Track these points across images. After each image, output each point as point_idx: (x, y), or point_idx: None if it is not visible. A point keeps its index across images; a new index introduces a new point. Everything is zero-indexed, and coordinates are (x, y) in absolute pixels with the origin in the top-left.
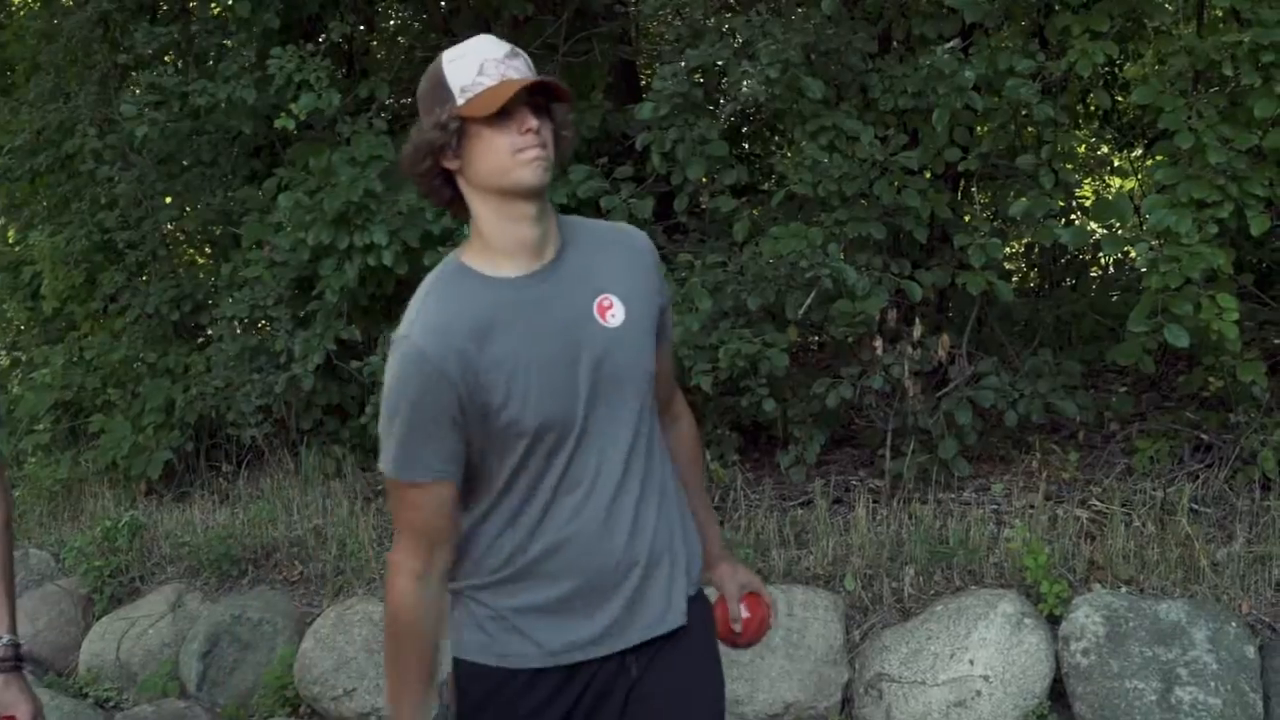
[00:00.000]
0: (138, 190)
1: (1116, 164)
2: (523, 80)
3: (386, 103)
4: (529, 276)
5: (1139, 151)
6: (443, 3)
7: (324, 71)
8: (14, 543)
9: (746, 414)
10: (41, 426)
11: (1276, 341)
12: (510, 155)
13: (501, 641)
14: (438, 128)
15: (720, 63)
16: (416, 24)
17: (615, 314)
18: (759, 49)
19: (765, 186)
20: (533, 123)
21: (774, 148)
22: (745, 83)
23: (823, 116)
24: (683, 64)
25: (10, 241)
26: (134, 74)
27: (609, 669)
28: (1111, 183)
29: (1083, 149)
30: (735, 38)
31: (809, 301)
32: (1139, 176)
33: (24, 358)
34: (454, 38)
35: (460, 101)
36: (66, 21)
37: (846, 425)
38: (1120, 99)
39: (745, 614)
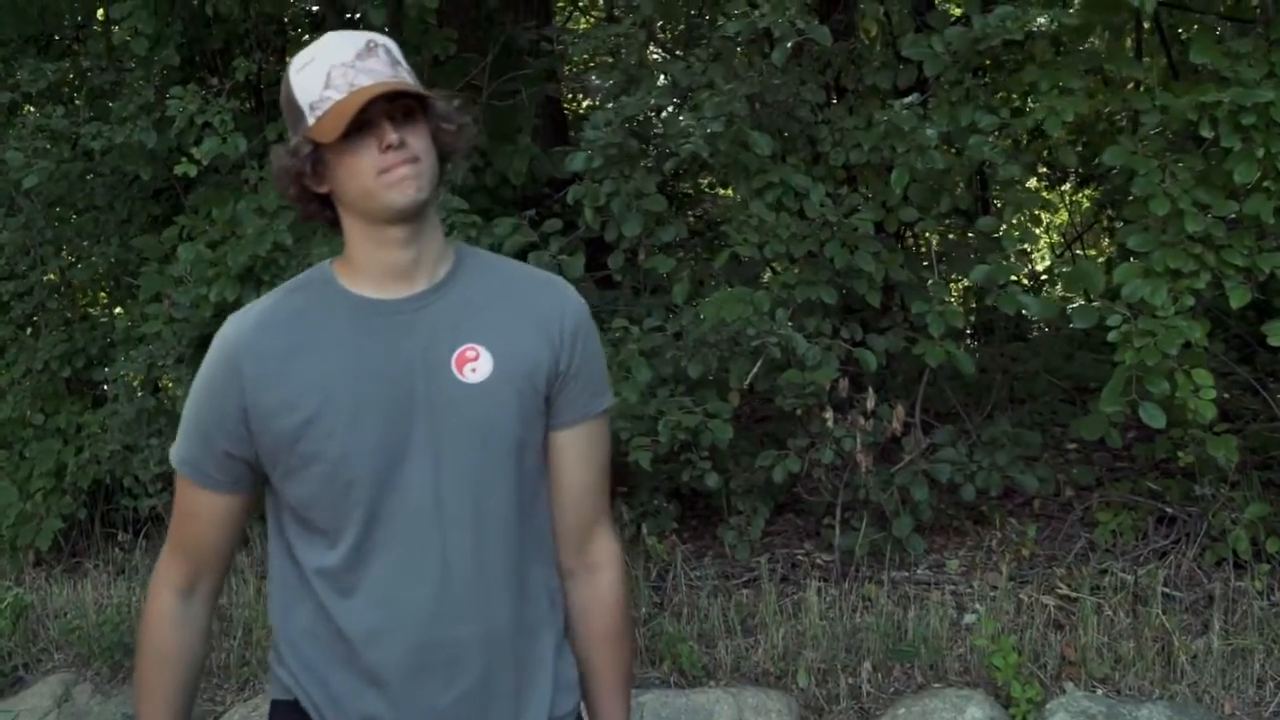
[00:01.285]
0: (24, 237)
1: (1047, 198)
2: (373, 88)
3: None
4: (388, 302)
5: (1067, 186)
6: None
7: (228, 113)
8: None
9: (685, 485)
10: None
11: (1245, 411)
12: (374, 177)
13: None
14: (290, 155)
15: (655, 112)
16: None
17: (477, 369)
18: (702, 100)
19: (705, 235)
20: (392, 136)
21: (711, 193)
22: (688, 140)
23: (769, 171)
24: (614, 113)
25: None
26: (18, 112)
27: None
28: (1041, 216)
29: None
30: (671, 84)
31: (755, 371)
32: (1070, 212)
33: None
34: None
35: (310, 122)
36: None
37: (789, 493)
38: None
39: None
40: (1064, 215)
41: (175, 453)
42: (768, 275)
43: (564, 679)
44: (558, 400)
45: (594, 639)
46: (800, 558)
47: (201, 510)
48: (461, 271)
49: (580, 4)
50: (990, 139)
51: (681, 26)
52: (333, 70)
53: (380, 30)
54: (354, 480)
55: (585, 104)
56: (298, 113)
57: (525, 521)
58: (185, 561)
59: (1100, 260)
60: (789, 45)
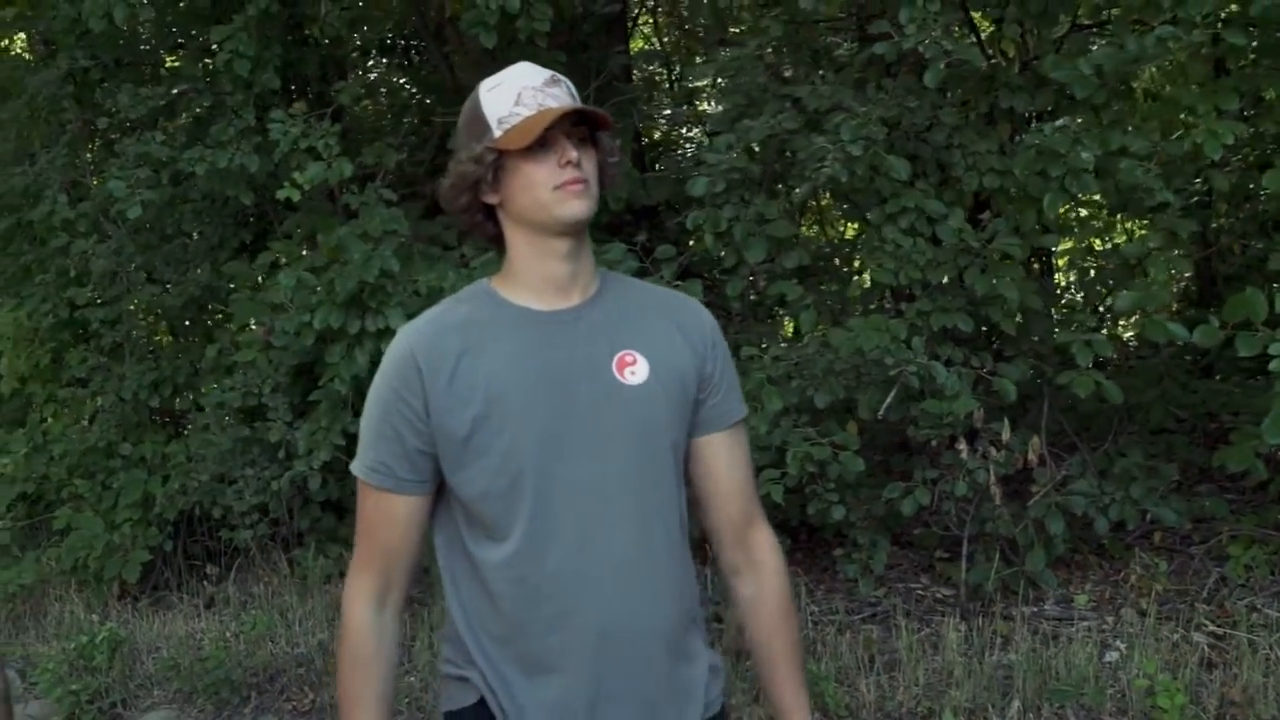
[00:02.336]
0: (114, 264)
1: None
2: (561, 108)
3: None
4: (548, 313)
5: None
6: (457, 71)
7: (333, 137)
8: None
9: (794, 514)
10: (0, 522)
11: None
12: (549, 189)
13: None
14: (474, 161)
15: (778, 134)
16: (412, 87)
17: (635, 372)
18: (838, 123)
19: (825, 264)
20: (572, 154)
21: (838, 224)
22: (826, 161)
23: (903, 196)
24: (736, 137)
25: None
26: (113, 139)
27: None
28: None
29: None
30: (800, 108)
31: (889, 401)
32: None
33: None
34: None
35: (497, 134)
36: (31, 78)
37: (902, 525)
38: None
39: None
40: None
41: (362, 464)
42: (887, 303)
43: (715, 665)
44: (706, 405)
45: (767, 626)
46: (920, 592)
47: (396, 515)
48: (608, 288)
49: (645, 26)
50: (1144, 164)
51: (809, 49)
52: (523, 91)
53: (490, 53)
54: (521, 473)
55: (656, 134)
56: (483, 126)
57: (679, 517)
58: (377, 574)
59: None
60: (941, 66)
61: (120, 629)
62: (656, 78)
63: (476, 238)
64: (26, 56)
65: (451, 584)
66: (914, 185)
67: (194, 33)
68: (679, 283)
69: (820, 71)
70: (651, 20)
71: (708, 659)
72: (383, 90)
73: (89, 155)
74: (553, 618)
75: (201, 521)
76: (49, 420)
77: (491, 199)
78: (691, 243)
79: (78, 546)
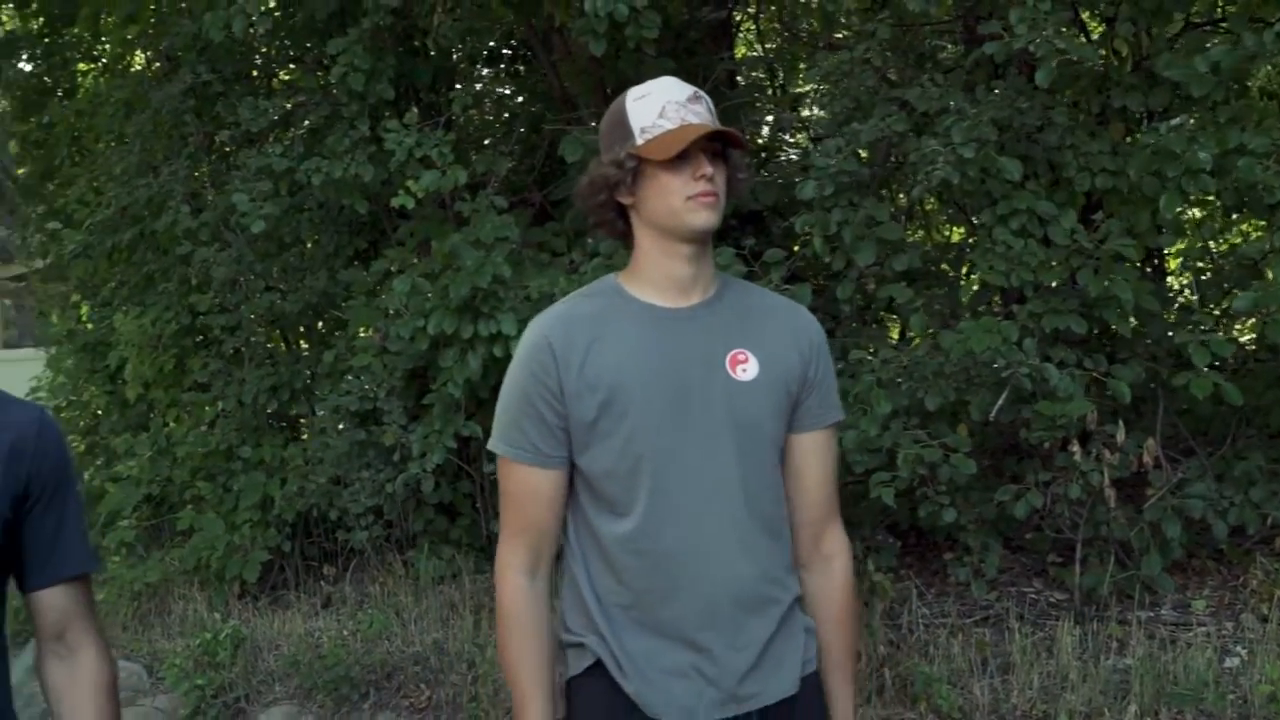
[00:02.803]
0: (234, 271)
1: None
2: (702, 127)
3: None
4: (669, 309)
5: None
6: (565, 79)
7: (447, 145)
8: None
9: (905, 517)
10: (126, 523)
11: None
12: (682, 199)
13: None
14: (615, 165)
15: (887, 136)
16: (521, 95)
17: (747, 369)
18: (949, 125)
19: (933, 267)
20: (707, 169)
21: (943, 228)
22: (938, 164)
23: (1014, 198)
24: (845, 140)
25: (83, 320)
26: (231, 151)
27: None
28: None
29: None
30: (908, 110)
31: (1000, 403)
32: None
33: (102, 444)
34: (573, 109)
35: (639, 141)
36: (154, 93)
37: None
38: None
39: None
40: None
41: (503, 443)
42: (998, 305)
43: (810, 628)
44: (803, 406)
45: (829, 621)
46: (1033, 596)
47: (540, 489)
48: (726, 291)
49: (755, 31)
50: (1263, 162)
51: (914, 52)
52: (667, 105)
53: (598, 61)
54: (641, 456)
55: (761, 139)
56: (626, 132)
57: (778, 500)
58: (526, 546)
59: None
60: (1053, 65)
61: (242, 627)
62: (761, 83)
63: (605, 234)
64: (149, 72)
65: (579, 555)
66: (1025, 186)
67: (309, 45)
68: (787, 286)
69: (926, 75)
70: (755, 26)
71: (803, 622)
72: (491, 99)
73: (207, 167)
74: (668, 588)
75: (318, 523)
76: (171, 424)
77: (626, 200)
78: (797, 247)
79: (200, 547)
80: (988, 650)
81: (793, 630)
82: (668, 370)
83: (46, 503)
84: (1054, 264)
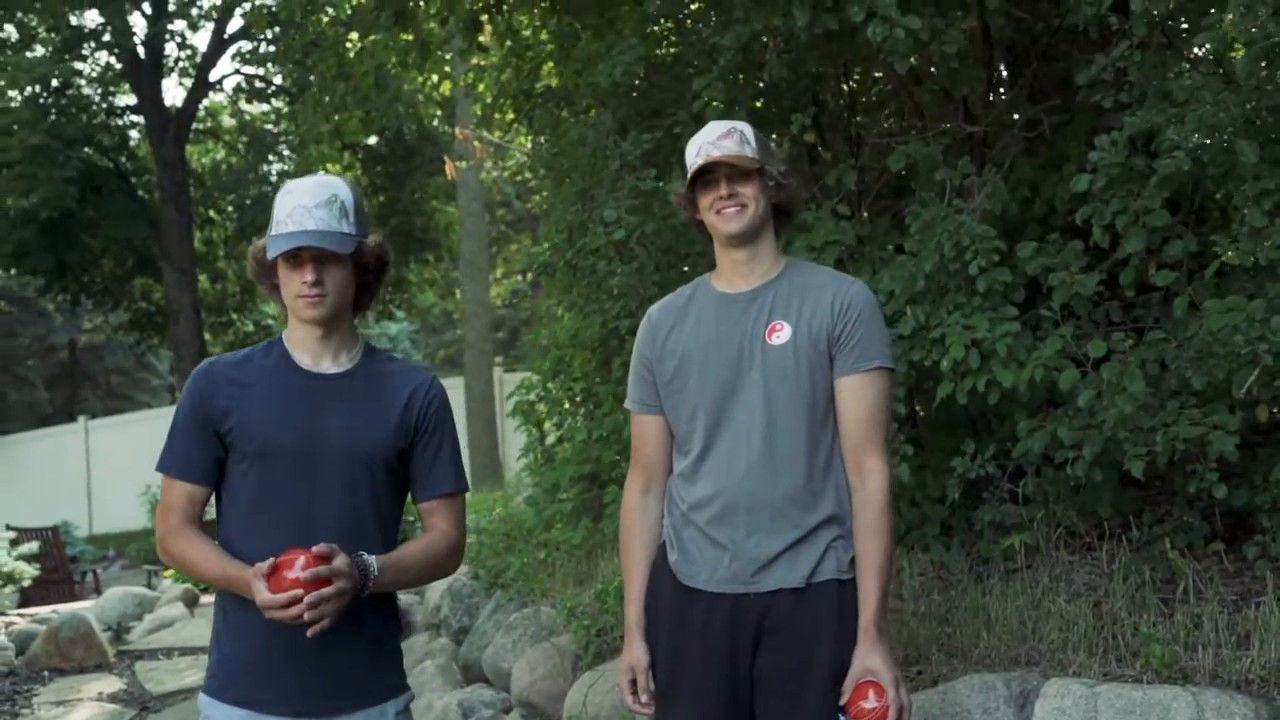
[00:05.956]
0: (637, 281)
1: None
2: (703, 161)
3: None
4: (730, 294)
5: None
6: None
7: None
8: (441, 562)
9: (1201, 499)
10: (565, 495)
11: None
12: (710, 212)
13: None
14: (678, 194)
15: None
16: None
17: (780, 335)
18: (1186, 114)
19: (1216, 252)
20: (724, 190)
21: (1216, 214)
22: (1173, 154)
23: (1264, 179)
24: (1120, 132)
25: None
26: (621, 178)
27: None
28: None
29: None
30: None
31: (1251, 380)
32: None
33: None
34: (922, 121)
35: (687, 175)
36: (589, 131)
37: None
38: None
39: (873, 704)
40: None
41: (629, 399)
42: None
43: (828, 558)
44: (838, 357)
45: (861, 530)
46: None
47: (649, 432)
48: (784, 275)
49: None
50: None
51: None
52: (702, 146)
53: (908, 72)
54: (698, 408)
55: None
56: (684, 171)
57: (812, 439)
58: (642, 473)
59: None
60: None
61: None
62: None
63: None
64: (593, 112)
65: (672, 479)
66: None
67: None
68: (1078, 275)
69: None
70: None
71: (829, 539)
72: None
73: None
74: (713, 495)
75: None
76: (608, 413)
77: (698, 217)
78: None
79: (617, 516)
80: (1248, 625)
81: (812, 542)
82: (722, 342)
83: (428, 439)
84: None
